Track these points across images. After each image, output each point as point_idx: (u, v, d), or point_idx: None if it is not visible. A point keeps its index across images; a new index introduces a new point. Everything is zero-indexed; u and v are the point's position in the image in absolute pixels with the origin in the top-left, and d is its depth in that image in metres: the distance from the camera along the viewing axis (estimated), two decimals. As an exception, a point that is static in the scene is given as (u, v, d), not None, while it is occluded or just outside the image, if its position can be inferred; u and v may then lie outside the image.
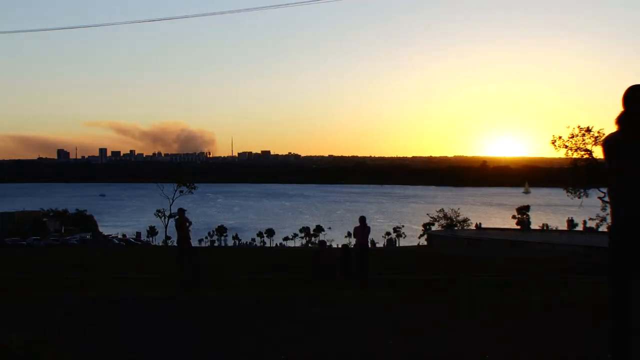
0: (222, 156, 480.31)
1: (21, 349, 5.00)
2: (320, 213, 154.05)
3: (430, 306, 8.38)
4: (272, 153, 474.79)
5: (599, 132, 31.33)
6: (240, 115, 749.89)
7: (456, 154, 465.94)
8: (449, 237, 63.79)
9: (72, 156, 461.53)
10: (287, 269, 21.13)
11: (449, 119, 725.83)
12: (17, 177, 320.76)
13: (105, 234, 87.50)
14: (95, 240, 70.18)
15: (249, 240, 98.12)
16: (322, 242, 20.21)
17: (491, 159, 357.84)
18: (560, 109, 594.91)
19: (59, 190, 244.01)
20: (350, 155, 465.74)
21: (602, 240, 31.08)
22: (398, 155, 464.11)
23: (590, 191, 34.99)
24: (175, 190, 68.83)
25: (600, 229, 53.24)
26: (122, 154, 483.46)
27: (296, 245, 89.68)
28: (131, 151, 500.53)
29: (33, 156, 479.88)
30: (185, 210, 13.30)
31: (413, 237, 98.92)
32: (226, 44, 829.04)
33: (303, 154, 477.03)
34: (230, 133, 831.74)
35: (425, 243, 78.31)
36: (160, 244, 76.29)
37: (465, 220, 77.00)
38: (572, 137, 31.77)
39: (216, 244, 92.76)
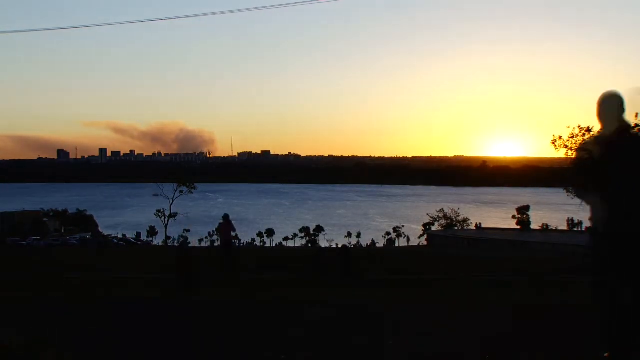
0: (222, 156, 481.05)
1: (21, 349, 5.00)
2: (320, 213, 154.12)
3: (430, 306, 8.38)
4: (272, 153, 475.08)
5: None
6: (240, 115, 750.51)
7: (456, 154, 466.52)
8: (449, 237, 63.83)
9: (72, 156, 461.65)
10: (286, 268, 21.13)
11: (449, 119, 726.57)
12: (17, 177, 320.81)
13: (105, 233, 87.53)
14: (95, 240, 70.14)
15: (249, 240, 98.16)
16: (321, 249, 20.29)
17: (491, 159, 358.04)
18: (560, 109, 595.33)
19: (59, 190, 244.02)
20: (350, 155, 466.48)
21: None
22: (398, 155, 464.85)
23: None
24: (175, 190, 68.85)
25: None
26: (122, 154, 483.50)
27: (296, 245, 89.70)
28: (131, 151, 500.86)
29: (33, 156, 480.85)
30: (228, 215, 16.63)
31: (413, 237, 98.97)
32: (226, 44, 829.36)
33: (303, 154, 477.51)
34: (230, 133, 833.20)
35: (425, 243, 78.32)
36: (160, 244, 76.33)
37: (465, 220, 77.07)
38: (573, 137, 31.68)
39: (216, 244, 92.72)
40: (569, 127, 32.05)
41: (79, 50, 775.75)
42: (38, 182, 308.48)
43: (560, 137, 32.06)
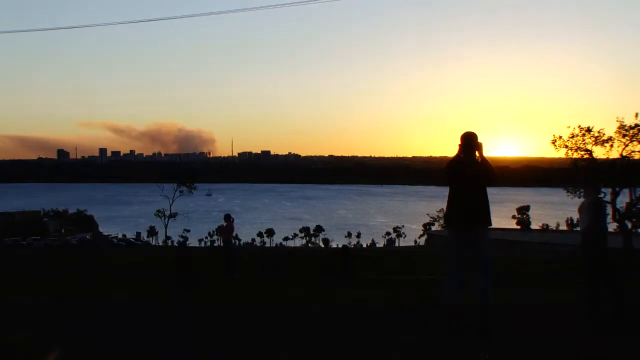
0: (222, 156, 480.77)
1: (21, 349, 5.00)
2: (320, 213, 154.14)
3: (430, 306, 8.36)
4: (272, 153, 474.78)
5: (599, 132, 31.29)
6: (240, 115, 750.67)
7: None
8: (449, 237, 63.68)
9: (72, 156, 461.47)
10: (286, 268, 21.15)
11: (449, 119, 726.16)
12: (17, 177, 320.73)
13: (105, 233, 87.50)
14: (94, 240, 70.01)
15: (249, 240, 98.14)
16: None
17: (491, 159, 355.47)
18: (560, 109, 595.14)
19: (59, 190, 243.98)
20: (350, 155, 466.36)
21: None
22: (398, 155, 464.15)
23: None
24: (175, 190, 68.82)
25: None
26: (122, 154, 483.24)
27: (296, 245, 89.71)
28: (131, 151, 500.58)
29: (33, 156, 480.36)
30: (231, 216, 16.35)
31: (413, 237, 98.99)
32: (226, 44, 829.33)
33: (303, 154, 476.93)
34: (230, 133, 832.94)
35: (425, 243, 78.35)
36: (161, 244, 76.36)
37: (465, 220, 76.89)
38: (573, 137, 31.69)
39: (216, 243, 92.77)
40: (569, 127, 32.07)
41: (79, 50, 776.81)
42: (38, 182, 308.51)
43: (560, 137, 32.06)
